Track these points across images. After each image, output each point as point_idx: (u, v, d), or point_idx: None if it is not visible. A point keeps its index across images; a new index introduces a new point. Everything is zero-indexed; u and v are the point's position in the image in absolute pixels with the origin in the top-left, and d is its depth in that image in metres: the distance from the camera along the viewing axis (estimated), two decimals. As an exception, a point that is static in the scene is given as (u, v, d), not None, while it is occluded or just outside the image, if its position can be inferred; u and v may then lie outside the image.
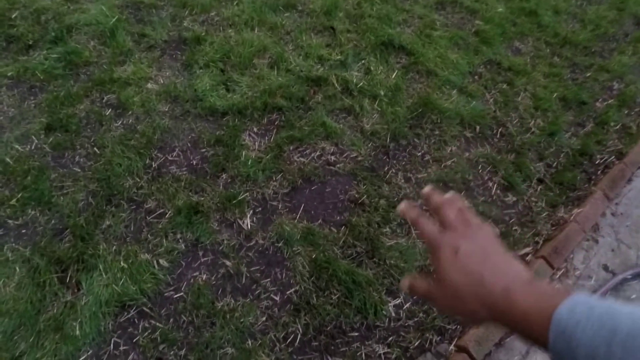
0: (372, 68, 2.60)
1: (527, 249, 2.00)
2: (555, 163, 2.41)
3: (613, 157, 2.46)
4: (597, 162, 2.44)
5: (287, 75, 2.47)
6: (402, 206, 0.54)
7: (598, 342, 0.35)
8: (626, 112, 2.77)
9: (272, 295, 1.75)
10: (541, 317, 0.39)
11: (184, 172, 2.05)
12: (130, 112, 2.22)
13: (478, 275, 0.44)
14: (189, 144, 2.15)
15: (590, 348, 0.35)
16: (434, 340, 1.69)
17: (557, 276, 1.94)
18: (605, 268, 2.03)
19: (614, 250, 2.11)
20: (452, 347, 1.67)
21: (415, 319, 1.75)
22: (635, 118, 2.74)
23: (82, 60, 2.39)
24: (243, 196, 1.97)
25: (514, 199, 2.21)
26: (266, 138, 2.22)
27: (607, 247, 2.12)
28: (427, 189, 0.56)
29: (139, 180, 1.99)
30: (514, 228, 2.08)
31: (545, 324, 0.38)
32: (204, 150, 2.14)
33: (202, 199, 1.94)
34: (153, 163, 2.06)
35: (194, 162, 2.09)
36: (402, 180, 2.15)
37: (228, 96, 2.34)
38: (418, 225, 0.51)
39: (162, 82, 2.39)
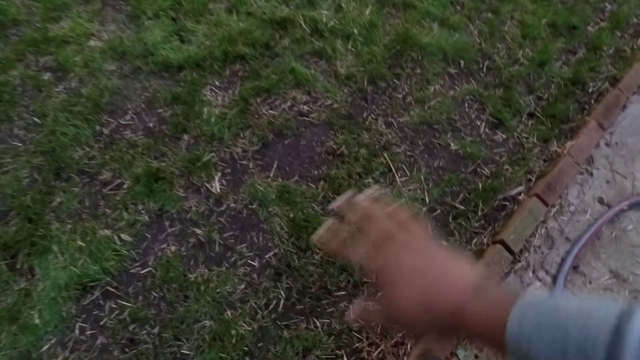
0: (343, 5, 2.33)
1: (519, 188, 1.88)
2: (546, 95, 2.24)
3: (607, 83, 2.29)
4: (590, 91, 2.28)
5: (248, 19, 2.19)
6: (314, 238, 0.51)
7: (553, 356, 0.34)
8: (619, 34, 2.58)
9: (249, 261, 1.61)
10: (495, 333, 0.37)
11: (140, 137, 1.83)
12: (72, 75, 1.96)
13: (425, 302, 0.42)
14: (143, 105, 1.92)
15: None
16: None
17: (552, 213, 1.83)
18: (601, 201, 1.93)
19: (609, 181, 2.00)
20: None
21: (405, 272, 1.64)
22: (629, 40, 2.55)
23: (9, 19, 2.08)
24: (208, 157, 1.78)
25: (504, 136, 2.05)
26: (230, 91, 1.99)
27: (601, 179, 2.00)
28: (344, 197, 0.52)
29: (89, 149, 1.77)
30: (504, 167, 1.94)
31: (500, 340, 0.37)
32: (160, 110, 1.91)
33: (163, 164, 1.75)
34: (104, 129, 1.84)
35: (151, 125, 1.87)
36: (383, 126, 1.97)
37: (183, 48, 2.08)
38: (346, 257, 0.48)
39: (106, 37, 2.11)
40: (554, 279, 1.67)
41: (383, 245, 0.45)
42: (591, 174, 2.01)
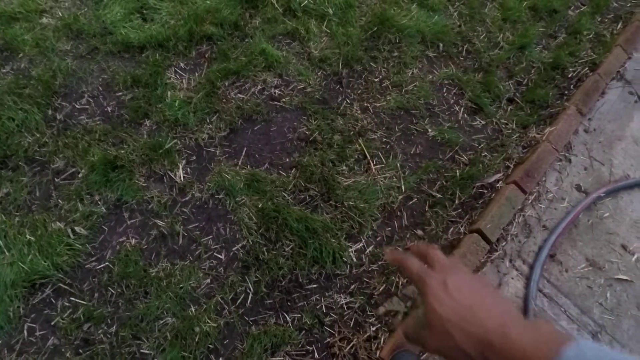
0: (318, -17, 2.21)
1: (498, 175, 1.83)
2: (525, 80, 2.19)
3: (587, 68, 2.25)
4: (569, 76, 2.23)
5: (217, -3, 2.06)
6: (388, 251, 0.54)
7: None
8: (599, 19, 2.54)
9: (215, 254, 1.52)
10: (542, 358, 0.35)
11: (98, 122, 1.70)
12: (20, 55, 1.80)
13: (468, 309, 0.41)
14: (100, 88, 1.78)
15: None
16: (400, 282, 1.53)
17: (530, 201, 1.79)
18: (578, 188, 1.90)
19: (586, 168, 1.97)
20: (419, 288, 1.52)
21: (380, 263, 1.58)
22: (609, 25, 2.51)
23: (-50, -7, 1.89)
24: (172, 144, 1.67)
25: (483, 122, 1.99)
26: (195, 74, 1.86)
27: (579, 166, 1.97)
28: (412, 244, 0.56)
29: (40, 136, 1.63)
30: (483, 154, 1.89)
31: None
32: (119, 94, 1.77)
33: (122, 151, 1.63)
34: (57, 114, 1.70)
35: (109, 109, 1.74)
36: (359, 111, 1.88)
37: (145, 27, 1.93)
38: (405, 263, 0.48)
39: (60, 14, 1.94)
40: (531, 267, 1.63)
41: (441, 265, 0.46)
42: (569, 161, 1.98)
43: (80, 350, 1.32)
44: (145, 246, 1.50)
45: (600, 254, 1.72)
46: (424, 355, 1.39)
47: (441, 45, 2.17)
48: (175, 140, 1.68)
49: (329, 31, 2.06)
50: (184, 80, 1.83)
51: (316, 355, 1.39)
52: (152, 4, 1.99)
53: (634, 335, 1.55)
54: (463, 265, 0.48)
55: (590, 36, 2.42)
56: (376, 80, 1.99)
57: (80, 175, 1.57)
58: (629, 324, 1.57)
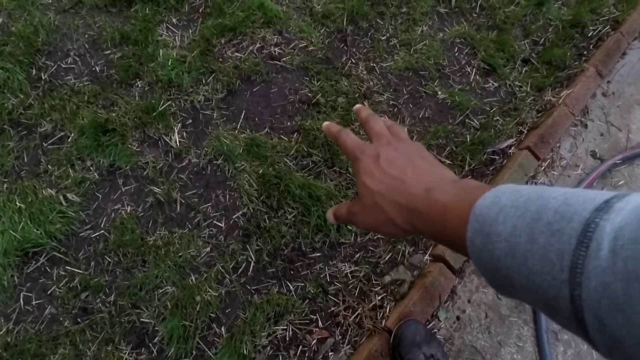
0: None
1: (510, 141, 1.74)
2: (542, 39, 2.05)
3: (608, 27, 2.11)
4: (589, 35, 2.09)
5: (210, -55, 1.88)
6: (325, 124, 0.50)
7: (520, 230, 0.28)
8: (624, -28, 2.35)
9: (215, 222, 1.46)
10: (460, 213, 0.32)
11: (86, 83, 1.59)
12: (-1, 8, 1.66)
13: (398, 180, 0.40)
14: (87, 46, 1.65)
15: (510, 241, 0.28)
16: (406, 251, 1.48)
17: (542, 168, 1.72)
18: (594, 155, 1.82)
19: (603, 134, 1.88)
20: (427, 257, 1.47)
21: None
22: (634, -21, 2.33)
23: None
24: (166, 106, 1.56)
25: (496, 84, 1.88)
26: (189, 30, 1.73)
27: (596, 131, 1.88)
28: (358, 105, 0.51)
29: (25, 97, 1.53)
30: (495, 118, 1.79)
31: (463, 220, 0.32)
32: (108, 52, 1.65)
33: (113, 114, 1.53)
34: (42, 74, 1.58)
35: (97, 69, 1.62)
36: (365, 72, 1.77)
37: (133, -22, 1.77)
38: (339, 138, 0.46)
39: (39, -37, 1.78)
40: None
41: (379, 137, 0.45)
42: (585, 126, 1.88)
43: (79, 319, 1.28)
44: (142, 214, 1.44)
45: (613, 223, 1.66)
46: (430, 325, 1.37)
47: (453, 0, 2.01)
48: (169, 102, 1.58)
49: (332, -16, 1.90)
50: (176, 38, 1.70)
51: (320, 324, 1.36)
52: (139, -48, 1.81)
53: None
54: (405, 133, 0.46)
55: (614, -9, 2.25)
56: (383, 38, 1.86)
57: (69, 140, 1.49)
58: None
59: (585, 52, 2.03)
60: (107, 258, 1.36)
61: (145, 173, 1.48)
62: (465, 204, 0.32)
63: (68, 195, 1.42)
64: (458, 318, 1.41)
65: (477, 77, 1.88)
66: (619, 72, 2.05)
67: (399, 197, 0.38)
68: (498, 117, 1.79)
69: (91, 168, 1.46)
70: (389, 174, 0.40)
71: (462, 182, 0.37)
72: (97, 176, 1.46)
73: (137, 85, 1.60)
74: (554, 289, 0.25)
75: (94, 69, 1.62)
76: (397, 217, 0.38)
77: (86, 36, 1.67)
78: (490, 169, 1.68)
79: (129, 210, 1.43)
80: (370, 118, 0.47)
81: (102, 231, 1.39)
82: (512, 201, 0.29)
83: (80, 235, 1.39)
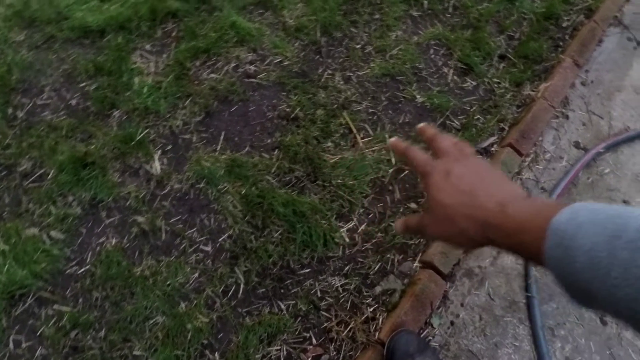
0: (288, -56, 2.02)
1: (492, 139, 1.74)
2: (517, 34, 2.05)
3: (582, 16, 2.11)
4: (564, 26, 2.10)
5: (178, -32, 1.88)
6: (392, 140, 0.52)
7: (601, 246, 0.29)
8: (594, -40, 2.36)
9: (201, 246, 1.45)
10: (537, 227, 0.34)
11: (63, 117, 1.59)
12: (-30, 49, 1.66)
13: (470, 194, 0.42)
14: (61, 80, 1.65)
15: (590, 255, 0.30)
16: (395, 260, 1.48)
17: (526, 163, 1.72)
18: (577, 145, 1.82)
19: (585, 124, 1.88)
20: (416, 264, 1.47)
21: (374, 241, 1.52)
22: (604, -34, 2.33)
23: None
24: (144, 134, 1.56)
25: (474, 83, 1.88)
26: (163, 55, 1.73)
27: (577, 121, 1.88)
28: (422, 124, 0.53)
29: (2, 137, 1.53)
30: (475, 117, 1.79)
31: (541, 234, 0.34)
32: (83, 84, 1.65)
33: (92, 147, 1.53)
34: (18, 112, 1.58)
35: (73, 102, 1.62)
36: (341, 82, 1.77)
37: (103, 8, 1.78)
38: (409, 153, 0.49)
39: (8, 2, 1.78)
40: (530, 232, 1.58)
41: (447, 154, 0.47)
42: (567, 117, 1.88)
43: (70, 358, 1.27)
44: (127, 245, 1.43)
45: (601, 213, 1.66)
46: (424, 333, 1.36)
47: (425, 2, 2.02)
48: (147, 130, 1.57)
49: (303, -3, 1.91)
50: (151, 64, 1.70)
51: (314, 341, 1.35)
52: (108, -19, 1.82)
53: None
54: (471, 149, 0.48)
55: (585, -20, 2.25)
56: (358, 46, 1.86)
57: (49, 177, 1.48)
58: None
59: (561, 43, 2.04)
60: (95, 293, 1.35)
61: (127, 203, 1.48)
62: (541, 219, 0.34)
63: (52, 232, 1.41)
64: (452, 323, 1.40)
65: (455, 77, 1.88)
66: (597, 60, 2.06)
67: (472, 211, 0.41)
68: (478, 116, 1.79)
69: (73, 203, 1.46)
70: (460, 189, 0.42)
71: (535, 199, 0.40)
72: (79, 211, 1.45)
73: (114, 116, 1.60)
74: (636, 302, 0.27)
75: (70, 102, 1.61)
76: (469, 230, 0.41)
77: (60, 70, 1.67)
78: (474, 169, 1.67)
79: (113, 243, 1.43)
80: (437, 136, 0.49)
81: (88, 266, 1.39)
82: (591, 219, 0.31)
83: (67, 272, 1.38)
